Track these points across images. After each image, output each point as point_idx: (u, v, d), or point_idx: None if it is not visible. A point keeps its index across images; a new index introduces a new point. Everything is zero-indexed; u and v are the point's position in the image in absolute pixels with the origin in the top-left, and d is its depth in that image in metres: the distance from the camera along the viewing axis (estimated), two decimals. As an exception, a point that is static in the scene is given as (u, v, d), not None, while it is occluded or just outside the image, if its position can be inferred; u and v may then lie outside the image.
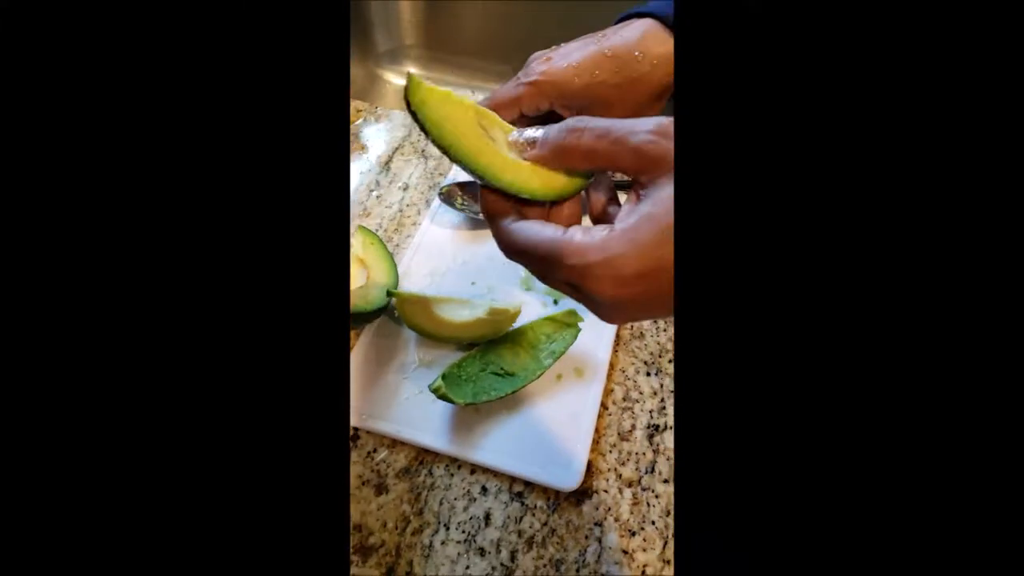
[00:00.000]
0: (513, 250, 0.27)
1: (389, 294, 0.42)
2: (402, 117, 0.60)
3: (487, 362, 0.41)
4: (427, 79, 0.30)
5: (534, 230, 0.25)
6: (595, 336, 0.42)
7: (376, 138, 0.58)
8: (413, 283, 0.46)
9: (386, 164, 0.56)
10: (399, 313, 0.42)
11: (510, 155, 0.28)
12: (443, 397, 0.36)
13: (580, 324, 0.41)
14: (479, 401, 0.38)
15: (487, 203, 0.28)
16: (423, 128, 0.28)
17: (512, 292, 0.45)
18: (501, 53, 0.78)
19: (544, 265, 0.25)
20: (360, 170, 0.55)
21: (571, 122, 0.26)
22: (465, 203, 0.51)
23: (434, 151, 0.57)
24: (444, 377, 0.37)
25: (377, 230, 0.50)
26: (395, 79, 0.80)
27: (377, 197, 0.53)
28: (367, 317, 0.42)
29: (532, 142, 0.27)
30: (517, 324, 0.42)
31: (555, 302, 0.45)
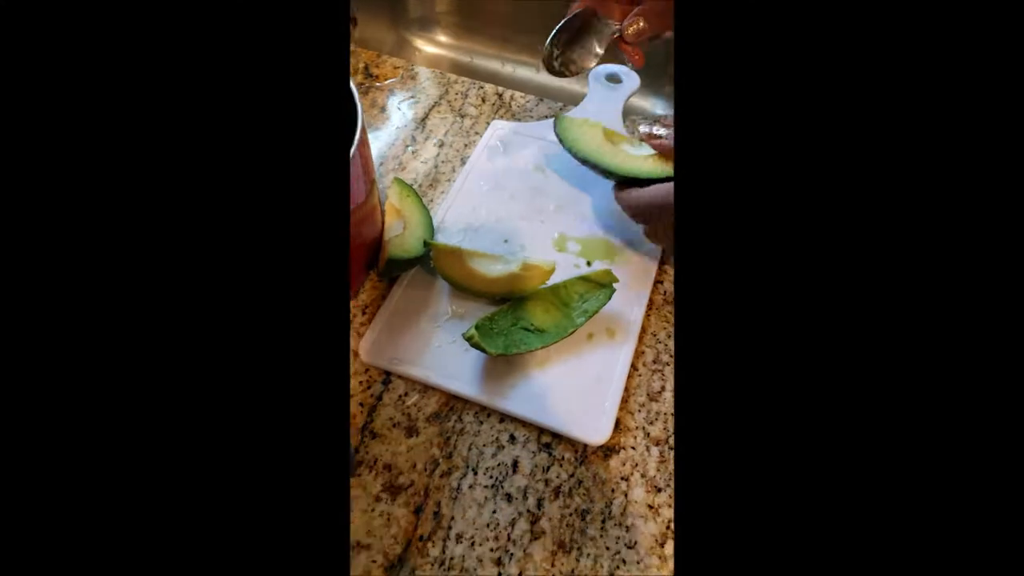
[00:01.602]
0: (637, 208, 0.41)
1: (426, 244, 0.42)
2: (440, 76, 0.60)
3: (518, 317, 0.41)
4: (457, 47, 0.43)
5: (649, 190, 0.40)
6: (628, 299, 0.42)
7: (415, 96, 0.58)
8: (447, 238, 0.46)
9: (422, 121, 0.56)
10: (434, 263, 0.42)
11: (630, 151, 0.44)
12: (476, 345, 0.36)
13: (615, 285, 0.41)
14: (510, 353, 0.38)
15: (617, 190, 0.43)
16: (566, 148, 0.45)
17: (545, 252, 0.45)
18: (531, 24, 0.77)
19: (659, 211, 0.39)
20: (396, 125, 0.55)
21: None
22: None
23: (470, 110, 0.57)
24: (477, 327, 0.38)
25: (412, 184, 0.50)
26: (425, 46, 0.79)
27: (413, 152, 0.53)
28: (403, 265, 0.42)
29: (657, 136, 0.42)
30: (550, 282, 0.42)
31: (588, 263, 0.45)
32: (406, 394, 0.39)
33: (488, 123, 0.55)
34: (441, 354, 0.40)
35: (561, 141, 0.46)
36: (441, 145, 0.54)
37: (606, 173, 0.43)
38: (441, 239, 0.46)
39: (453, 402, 0.39)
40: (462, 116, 0.56)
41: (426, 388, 0.39)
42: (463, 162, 0.52)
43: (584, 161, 0.44)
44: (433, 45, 0.78)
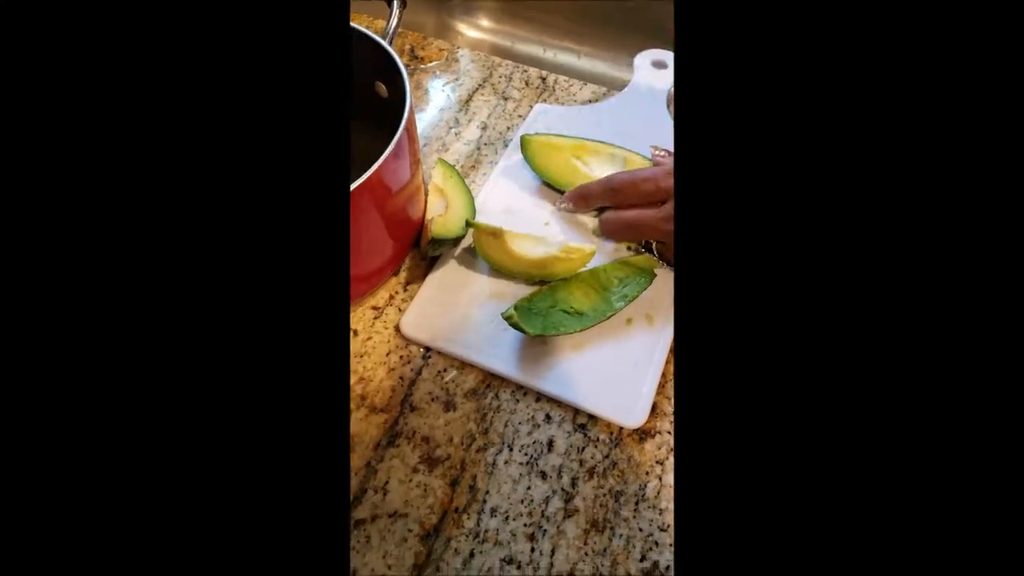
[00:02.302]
0: (610, 229, 0.44)
1: (468, 224, 0.43)
2: (484, 59, 0.60)
3: (557, 299, 0.41)
4: (498, 32, 0.45)
5: (619, 214, 0.44)
6: (668, 286, 0.42)
7: (458, 77, 0.58)
8: (488, 219, 0.46)
9: (466, 103, 0.56)
10: (475, 243, 0.42)
11: (593, 173, 0.47)
12: (514, 325, 0.37)
13: (655, 271, 0.41)
14: (548, 334, 0.38)
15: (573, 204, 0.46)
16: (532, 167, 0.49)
17: (586, 236, 0.45)
18: (572, 10, 0.77)
19: (634, 229, 0.42)
20: (439, 107, 0.56)
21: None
22: None
23: (513, 93, 0.57)
24: (516, 308, 0.38)
25: (454, 165, 0.51)
26: (467, 30, 0.79)
27: (456, 134, 0.53)
28: (445, 244, 0.43)
29: (662, 154, 0.47)
30: (590, 266, 0.42)
31: (628, 248, 0.45)
32: (445, 370, 0.40)
33: (531, 106, 0.55)
34: (480, 333, 0.40)
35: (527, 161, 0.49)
36: (484, 127, 0.54)
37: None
38: (483, 220, 0.46)
39: (490, 379, 0.39)
40: (505, 99, 0.56)
41: (464, 365, 0.40)
42: (506, 144, 0.52)
43: (545, 182, 0.49)
44: (475, 29, 0.78)
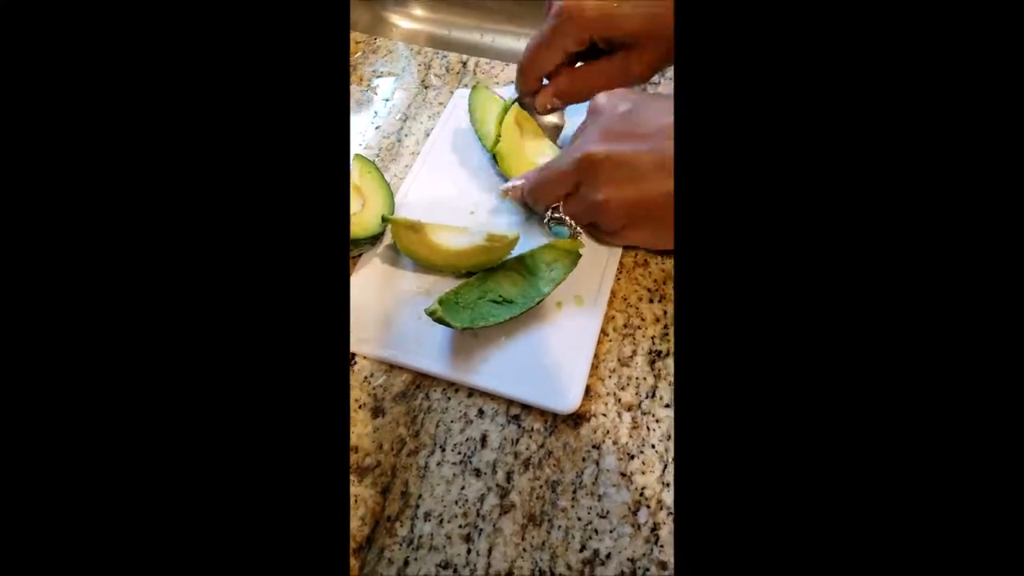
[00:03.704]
0: (529, 192, 0.41)
1: (384, 220, 0.41)
2: (403, 49, 0.58)
3: (485, 290, 0.40)
4: (434, 21, 0.46)
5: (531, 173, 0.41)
6: (598, 264, 0.41)
7: (376, 69, 0.56)
8: (411, 213, 0.45)
9: (385, 94, 0.54)
10: (395, 239, 0.41)
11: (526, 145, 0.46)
12: (439, 320, 0.35)
13: (580, 251, 0.40)
14: (476, 326, 0.37)
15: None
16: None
17: (513, 221, 0.44)
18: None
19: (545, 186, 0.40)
20: (358, 100, 0.54)
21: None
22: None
23: (433, 80, 0.55)
24: (441, 302, 0.37)
25: (375, 159, 0.49)
26: (401, 21, 0.77)
27: (376, 127, 0.51)
28: (363, 244, 0.41)
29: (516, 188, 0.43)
30: (517, 252, 0.41)
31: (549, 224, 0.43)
32: (372, 375, 0.38)
33: (452, 92, 0.53)
34: (407, 332, 0.39)
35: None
36: (404, 119, 0.52)
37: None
38: (405, 215, 0.45)
39: (420, 380, 0.38)
40: (426, 87, 0.54)
41: (392, 367, 0.38)
42: (427, 135, 0.51)
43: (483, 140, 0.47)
44: (409, 20, 0.76)
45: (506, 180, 0.44)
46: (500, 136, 0.45)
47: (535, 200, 0.41)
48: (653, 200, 0.36)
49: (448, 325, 0.36)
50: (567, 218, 0.40)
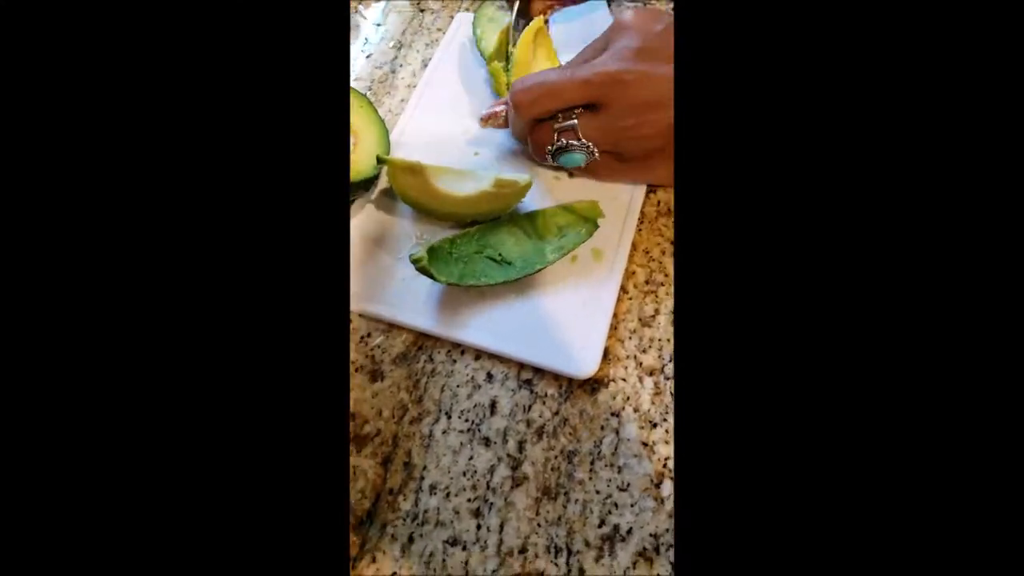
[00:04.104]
0: (518, 102, 0.34)
1: (379, 161, 0.36)
2: (394, -37, 0.51)
3: (485, 244, 0.36)
4: None
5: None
6: (617, 215, 0.37)
7: (364, -12, 0.50)
8: (408, 152, 0.40)
9: (377, 18, 0.48)
10: (391, 183, 0.36)
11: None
12: (423, 270, 0.32)
13: (599, 221, 0.35)
14: (463, 284, 0.33)
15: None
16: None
17: (522, 164, 0.40)
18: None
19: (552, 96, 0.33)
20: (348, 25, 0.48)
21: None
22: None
23: (430, 3, 0.49)
24: (431, 250, 0.33)
25: (367, 93, 0.44)
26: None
27: (367, 56, 0.46)
28: (356, 189, 0.37)
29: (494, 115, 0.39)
30: (533, 206, 0.37)
31: (570, 175, 0.39)
32: (369, 335, 0.35)
33: (452, 16, 0.47)
34: (406, 288, 0.35)
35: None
36: (399, 46, 0.46)
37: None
38: (402, 155, 0.40)
39: (422, 340, 0.34)
40: (422, 10, 0.48)
41: (391, 327, 0.35)
42: (425, 64, 0.45)
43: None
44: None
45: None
46: (500, 52, 0.40)
47: (526, 111, 0.34)
48: None
49: (432, 277, 0.32)
50: (585, 140, 0.34)
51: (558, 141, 0.35)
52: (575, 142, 0.34)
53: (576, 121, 0.34)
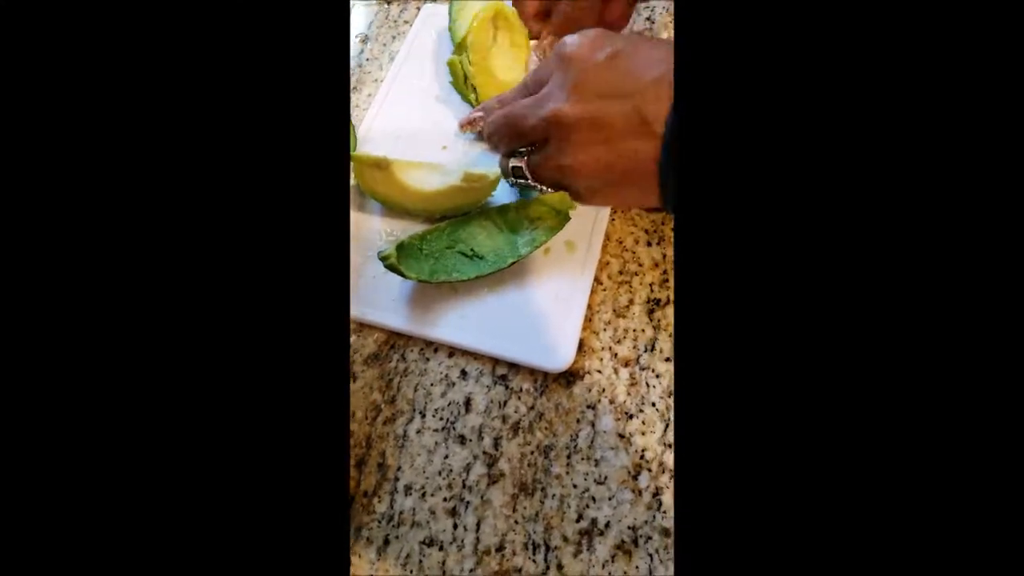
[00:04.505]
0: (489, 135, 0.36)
1: (345, 158, 0.36)
2: (358, -45, 0.50)
3: (456, 239, 0.35)
4: None
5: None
6: (590, 206, 0.36)
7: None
8: (376, 148, 0.39)
9: (340, 12, 0.47)
10: (357, 179, 0.36)
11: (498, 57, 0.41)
12: (391, 268, 0.31)
13: (571, 213, 0.35)
14: (434, 280, 0.32)
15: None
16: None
17: (490, 158, 0.39)
18: None
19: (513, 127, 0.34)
20: (310, 20, 0.47)
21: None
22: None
23: (397, -5, 0.48)
24: (400, 247, 0.32)
25: (332, 89, 0.43)
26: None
27: (331, 51, 0.45)
28: (321, 186, 0.36)
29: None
30: (503, 200, 0.36)
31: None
32: (339, 335, 0.34)
33: (419, 8, 0.46)
34: (376, 286, 0.35)
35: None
36: (365, 40, 0.45)
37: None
38: (369, 150, 0.39)
39: (394, 339, 0.34)
40: (388, 2, 0.47)
41: (362, 326, 0.34)
42: (391, 59, 0.44)
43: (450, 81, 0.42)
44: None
45: (462, 99, 0.41)
46: (467, 39, 0.39)
47: (494, 144, 0.37)
48: (631, 161, 0.30)
49: (401, 275, 0.31)
50: (532, 181, 0.34)
51: (512, 171, 0.34)
52: (523, 180, 0.34)
53: (523, 162, 0.33)
